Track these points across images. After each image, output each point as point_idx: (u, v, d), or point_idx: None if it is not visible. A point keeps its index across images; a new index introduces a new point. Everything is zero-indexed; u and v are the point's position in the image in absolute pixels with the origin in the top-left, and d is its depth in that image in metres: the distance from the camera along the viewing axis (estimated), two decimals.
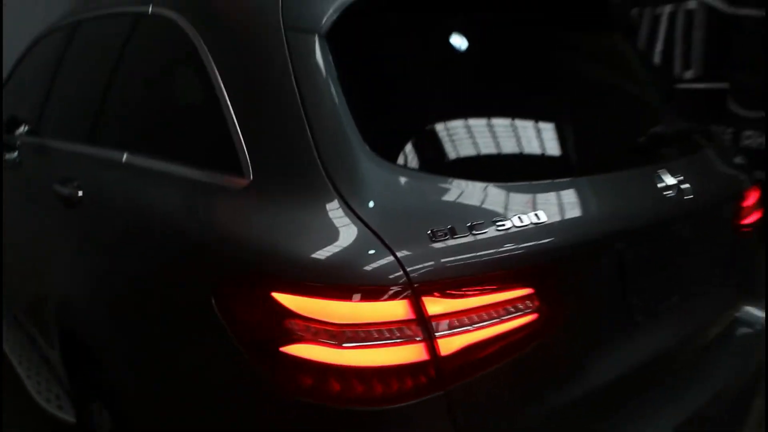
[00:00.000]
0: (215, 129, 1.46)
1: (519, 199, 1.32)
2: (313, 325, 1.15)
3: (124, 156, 1.83)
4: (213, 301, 1.26)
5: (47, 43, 2.99)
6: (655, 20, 5.95)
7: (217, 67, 1.51)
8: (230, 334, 1.24)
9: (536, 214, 1.30)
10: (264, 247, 1.22)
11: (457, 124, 1.44)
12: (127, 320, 1.65)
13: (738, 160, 2.12)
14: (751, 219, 2.00)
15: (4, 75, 3.87)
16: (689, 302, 1.74)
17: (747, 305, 2.03)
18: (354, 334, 1.15)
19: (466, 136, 1.44)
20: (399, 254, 1.15)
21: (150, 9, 1.90)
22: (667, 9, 5.85)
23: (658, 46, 5.94)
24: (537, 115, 1.56)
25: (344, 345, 1.14)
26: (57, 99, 2.61)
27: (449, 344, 1.18)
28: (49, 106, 2.63)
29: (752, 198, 2.01)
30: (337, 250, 1.17)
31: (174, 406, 1.49)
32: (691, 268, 1.76)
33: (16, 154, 2.74)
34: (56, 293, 2.09)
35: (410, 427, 1.20)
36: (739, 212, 1.96)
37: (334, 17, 1.39)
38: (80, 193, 1.91)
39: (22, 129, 2.94)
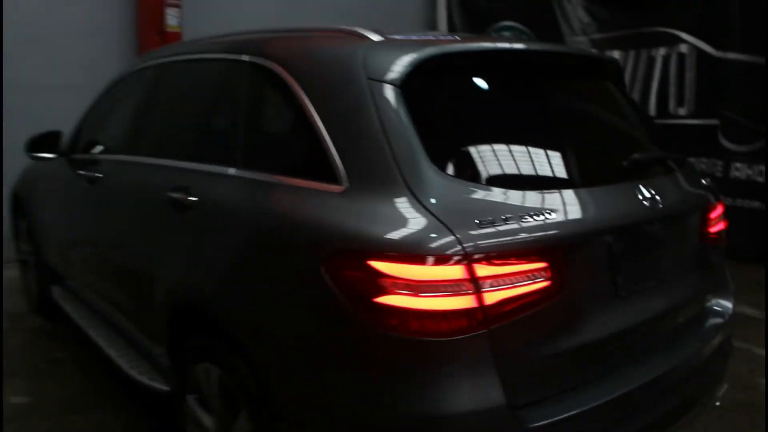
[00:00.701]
0: (316, 151, 1.91)
1: (537, 202, 1.81)
2: (399, 281, 1.61)
3: (233, 170, 2.25)
4: (321, 269, 1.72)
5: (131, 83, 3.42)
6: (651, 61, 6.48)
7: (313, 105, 1.97)
8: (334, 290, 1.69)
9: (549, 213, 1.78)
10: (361, 231, 1.70)
11: (493, 150, 1.94)
12: (249, 290, 2.03)
13: (704, 181, 2.59)
14: (716, 228, 2.44)
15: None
16: (664, 287, 2.18)
17: (716, 297, 2.51)
18: (427, 288, 1.61)
19: (500, 158, 1.93)
20: (458, 234, 1.63)
21: (246, 58, 2.36)
22: (662, 51, 6.37)
23: (654, 85, 6.48)
24: (550, 144, 2.05)
25: (420, 295, 1.61)
26: (154, 126, 3.02)
27: (491, 297, 1.64)
28: (145, 131, 3.05)
29: (716, 211, 2.45)
30: (414, 231, 1.65)
31: (293, 348, 1.89)
32: (666, 261, 2.20)
33: (97, 168, 3.24)
34: (171, 277, 2.46)
35: (464, 353, 1.65)
36: (705, 222, 2.40)
37: (406, 72, 1.87)
38: (192, 200, 2.32)
39: (99, 149, 3.52)
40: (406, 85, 1.86)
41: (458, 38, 2.53)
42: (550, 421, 1.72)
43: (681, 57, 6.26)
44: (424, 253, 1.61)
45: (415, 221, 1.66)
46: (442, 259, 1.61)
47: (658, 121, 6.41)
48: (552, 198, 1.87)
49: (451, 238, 1.62)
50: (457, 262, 1.61)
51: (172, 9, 5.80)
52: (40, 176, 4.17)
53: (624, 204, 2.03)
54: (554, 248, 1.78)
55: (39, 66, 5.64)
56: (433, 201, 1.70)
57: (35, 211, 4.22)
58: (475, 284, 1.63)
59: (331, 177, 1.85)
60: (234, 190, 2.20)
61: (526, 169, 1.98)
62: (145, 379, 2.75)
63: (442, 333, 1.62)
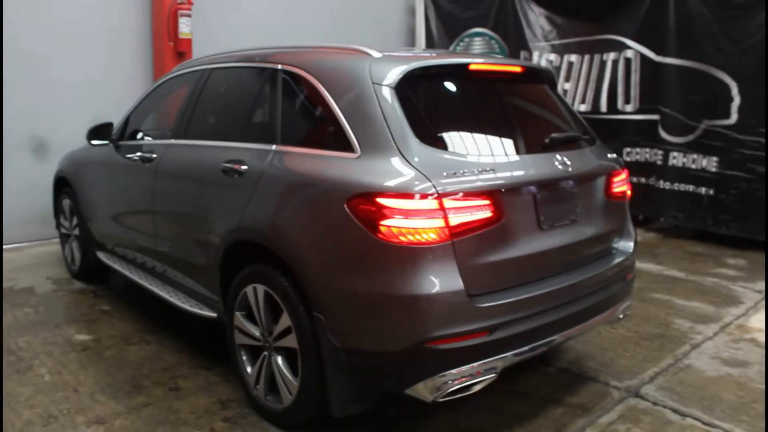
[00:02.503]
0: (337, 130, 2.74)
1: (485, 163, 2.65)
2: (396, 211, 2.42)
3: (274, 146, 3.02)
4: (345, 206, 2.51)
5: (175, 85, 4.20)
6: (602, 64, 7.26)
7: (333, 100, 2.81)
8: (355, 219, 2.48)
9: (492, 170, 2.63)
10: (372, 181, 2.51)
11: (458, 129, 2.81)
12: (294, 225, 2.77)
13: (611, 155, 3.39)
14: (619, 188, 3.28)
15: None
16: (576, 226, 2.98)
17: (620, 239, 3.34)
18: (413, 214, 2.42)
19: (462, 134, 2.78)
20: (432, 181, 2.45)
21: (280, 66, 3.20)
22: (612, 56, 7.16)
23: (605, 85, 7.21)
24: (497, 126, 2.93)
25: (409, 218, 2.42)
26: (204, 117, 3.77)
27: (454, 221, 2.46)
28: (195, 121, 3.77)
29: (619, 176, 3.29)
30: (406, 179, 2.46)
31: (324, 259, 2.63)
32: (578, 208, 2.99)
33: (150, 150, 3.93)
34: (227, 224, 3.13)
35: (437, 256, 2.43)
36: (609, 183, 3.23)
37: (398, 78, 2.70)
38: (244, 168, 3.07)
39: (147, 136, 4.29)
40: (398, 86, 2.71)
41: (434, 54, 3.41)
42: (491, 304, 2.56)
43: (627, 61, 7.04)
44: (412, 193, 2.46)
45: (406, 174, 2.51)
46: (423, 197, 2.45)
47: (609, 117, 7.21)
48: (496, 161, 2.74)
49: (429, 183, 2.47)
50: (433, 198, 2.45)
51: (185, 18, 6.46)
52: (87, 161, 4.88)
53: (544, 166, 2.89)
54: (495, 192, 2.62)
55: (66, 66, 6.27)
56: (416, 161, 2.54)
57: (83, 190, 4.90)
58: (444, 212, 2.46)
59: (348, 147, 2.69)
60: (277, 159, 2.99)
61: (480, 142, 2.82)
62: (195, 309, 3.54)
63: (423, 242, 2.45)
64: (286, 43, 3.51)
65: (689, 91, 6.55)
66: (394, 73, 2.74)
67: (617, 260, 3.22)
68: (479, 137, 2.85)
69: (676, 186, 6.76)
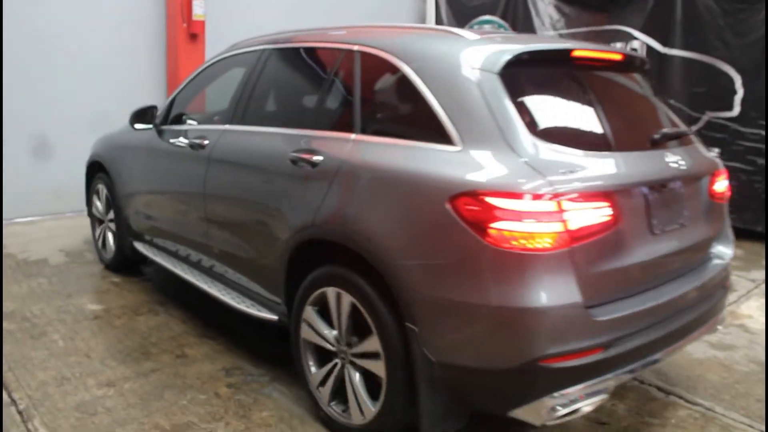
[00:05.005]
0: (430, 120, 2.45)
1: (600, 160, 2.38)
2: (509, 212, 2.14)
3: (353, 136, 2.73)
4: (447, 205, 2.24)
5: (224, 66, 3.88)
6: None
7: (426, 85, 2.52)
8: (458, 220, 2.21)
9: (609, 167, 2.38)
10: (480, 177, 2.23)
11: (566, 122, 2.58)
12: (387, 225, 2.47)
13: (709, 151, 3.08)
14: (720, 189, 2.97)
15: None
16: (684, 231, 2.70)
17: (719, 244, 3.06)
18: (529, 216, 2.14)
19: (572, 128, 2.55)
20: (550, 180, 2.18)
21: (357, 47, 2.90)
22: (618, 46, 7.15)
23: None
24: (605, 120, 2.61)
25: (523, 221, 2.14)
26: (267, 101, 3.48)
27: (572, 225, 2.18)
28: (255, 106, 3.44)
29: (721, 175, 2.99)
30: (520, 177, 2.19)
31: (425, 266, 2.34)
32: (686, 211, 2.72)
33: (202, 136, 3.60)
34: (298, 219, 2.83)
35: (553, 264, 2.17)
36: (712, 183, 2.93)
37: (502, 64, 2.42)
38: (318, 158, 2.78)
39: (188, 120, 4.01)
40: (503, 73, 2.44)
41: (526, 38, 3.15)
42: (608, 317, 2.30)
43: (633, 51, 7.08)
44: (528, 192, 2.18)
45: (519, 171, 2.24)
46: (539, 197, 2.18)
47: None
48: (609, 158, 2.50)
49: (546, 181, 2.20)
50: (550, 199, 2.18)
51: (198, 0, 6.54)
52: (126, 145, 4.54)
53: (656, 165, 2.64)
54: (612, 193, 2.36)
55: (83, 49, 6.39)
56: (528, 156, 2.28)
57: (120, 177, 4.56)
58: (562, 215, 2.19)
59: (446, 139, 2.42)
60: (358, 150, 2.69)
61: (589, 136, 2.61)
62: (253, 311, 3.22)
63: (539, 249, 2.18)
64: (338, 24, 3.37)
65: (694, 83, 6.61)
66: (498, 59, 2.48)
67: (719, 266, 2.99)
68: (587, 131, 2.64)
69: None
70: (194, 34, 6.67)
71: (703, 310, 2.79)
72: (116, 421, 2.83)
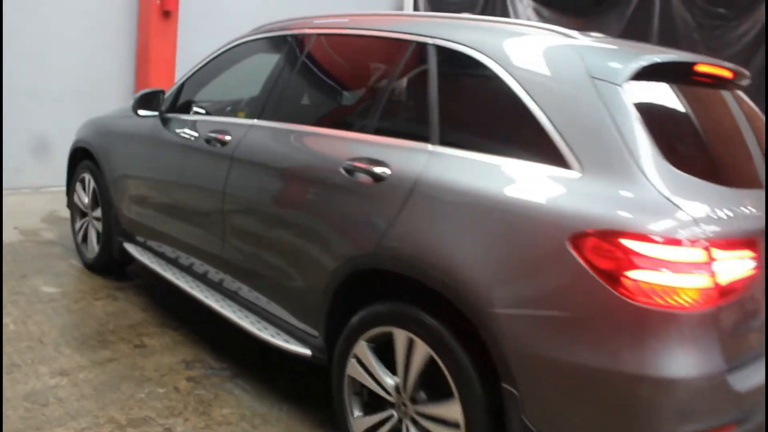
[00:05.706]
0: (536, 135, 2.03)
1: (742, 198, 2.03)
2: (651, 260, 1.77)
3: (430, 147, 2.30)
4: (567, 244, 1.83)
5: (248, 50, 3.39)
6: None
7: (527, 92, 2.11)
8: (583, 264, 1.81)
9: (752, 208, 1.99)
10: (611, 213, 1.82)
11: (701, 148, 2.18)
12: (483, 262, 2.04)
13: None
14: None
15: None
16: None
17: None
18: (675, 267, 1.77)
19: (708, 157, 2.17)
20: (699, 222, 1.80)
21: (432, 41, 2.45)
22: None
23: None
24: (738, 147, 2.30)
25: (667, 271, 1.76)
26: (299, 95, 3.06)
27: (722, 278, 1.81)
28: (286, 99, 3.03)
29: None
30: (663, 217, 1.81)
31: (537, 318, 1.94)
32: None
33: (223, 131, 3.11)
34: (352, 244, 2.43)
35: (699, 325, 1.81)
36: None
37: (629, 75, 2.02)
38: (387, 171, 2.33)
39: (201, 110, 3.55)
40: (629, 86, 2.04)
41: (647, 47, 2.73)
42: (747, 388, 1.93)
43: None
44: (676, 238, 1.80)
45: (661, 208, 1.85)
46: (690, 243, 1.80)
47: None
48: (750, 195, 2.11)
49: (695, 224, 1.83)
50: (700, 246, 1.80)
51: None
52: (122, 133, 4.04)
53: None
54: (756, 238, 1.99)
55: (49, 22, 6.18)
56: (668, 191, 1.88)
57: (112, 168, 4.03)
58: (712, 266, 1.82)
59: (560, 161, 1.99)
60: (439, 165, 2.25)
61: (724, 169, 2.24)
62: (279, 342, 2.74)
63: (684, 307, 1.80)
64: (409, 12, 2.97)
65: None
66: (623, 68, 2.08)
67: None
68: (718, 159, 2.25)
69: None
70: (168, 11, 6.49)
71: None
72: (68, 413, 2.70)
